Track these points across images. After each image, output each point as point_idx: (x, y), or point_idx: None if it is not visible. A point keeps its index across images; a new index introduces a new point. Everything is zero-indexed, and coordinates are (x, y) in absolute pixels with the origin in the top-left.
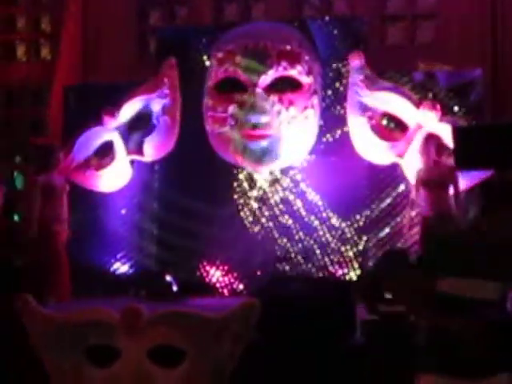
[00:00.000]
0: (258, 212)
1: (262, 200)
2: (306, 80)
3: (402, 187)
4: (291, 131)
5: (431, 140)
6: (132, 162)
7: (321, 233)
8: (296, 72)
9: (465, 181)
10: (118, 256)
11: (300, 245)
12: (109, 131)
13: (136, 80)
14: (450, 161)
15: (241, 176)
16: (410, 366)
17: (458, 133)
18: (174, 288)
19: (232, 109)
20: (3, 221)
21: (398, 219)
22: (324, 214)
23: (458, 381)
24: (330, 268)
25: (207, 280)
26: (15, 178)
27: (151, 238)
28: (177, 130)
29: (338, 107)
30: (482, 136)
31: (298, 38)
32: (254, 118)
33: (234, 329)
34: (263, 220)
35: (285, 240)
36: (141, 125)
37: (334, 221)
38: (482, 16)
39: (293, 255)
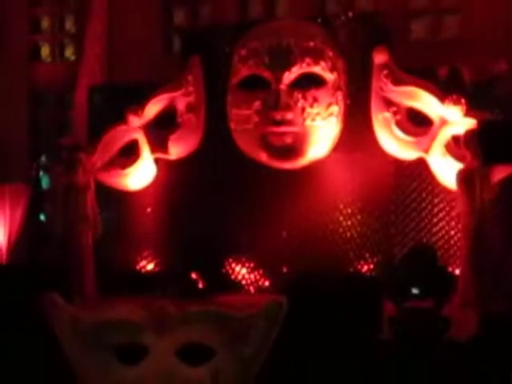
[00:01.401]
0: (283, 208)
1: (286, 196)
2: (329, 76)
3: (427, 182)
4: (315, 128)
5: (473, 137)
6: (157, 161)
7: (346, 229)
8: (319, 68)
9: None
10: (144, 254)
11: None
12: (133, 130)
13: (161, 79)
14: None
15: (265, 172)
16: (441, 361)
17: (484, 128)
18: (200, 285)
19: (256, 106)
20: (30, 221)
21: (423, 214)
22: (349, 210)
23: None
24: (356, 264)
25: (233, 277)
26: (41, 178)
27: (177, 236)
28: (201, 127)
29: (363, 103)
30: (509, 130)
31: (321, 35)
32: (278, 115)
33: (261, 326)
34: (288, 216)
35: (310, 236)
36: (165, 123)
37: (359, 216)
38: (506, 9)
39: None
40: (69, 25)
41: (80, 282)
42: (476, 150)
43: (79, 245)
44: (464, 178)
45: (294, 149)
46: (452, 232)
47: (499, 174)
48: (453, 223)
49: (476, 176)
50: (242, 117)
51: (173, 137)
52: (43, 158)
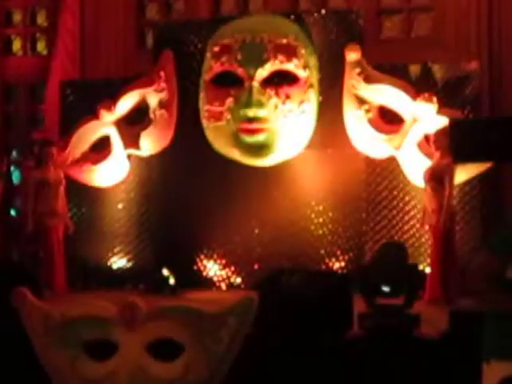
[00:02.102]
0: (254, 205)
1: (259, 193)
2: (302, 74)
3: (398, 180)
4: (288, 125)
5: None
6: (129, 157)
7: (318, 226)
8: (293, 66)
9: (461, 174)
10: (115, 250)
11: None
12: (105, 125)
13: (133, 74)
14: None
15: (237, 169)
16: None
17: (455, 126)
18: (172, 282)
19: (228, 103)
20: (0, 216)
21: (394, 212)
22: (320, 207)
23: None
24: (327, 261)
25: (205, 274)
26: (12, 172)
27: (148, 232)
28: (174, 123)
29: (335, 100)
30: (480, 129)
31: (294, 32)
32: (251, 112)
33: (232, 323)
34: (260, 213)
35: (282, 233)
36: (138, 119)
37: (331, 214)
38: (478, 9)
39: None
40: (41, 18)
41: (51, 278)
42: (445, 148)
43: (50, 240)
44: (432, 176)
45: (267, 146)
46: (423, 230)
47: (468, 172)
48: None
49: (445, 174)
50: (215, 113)
51: (145, 133)
52: (14, 153)
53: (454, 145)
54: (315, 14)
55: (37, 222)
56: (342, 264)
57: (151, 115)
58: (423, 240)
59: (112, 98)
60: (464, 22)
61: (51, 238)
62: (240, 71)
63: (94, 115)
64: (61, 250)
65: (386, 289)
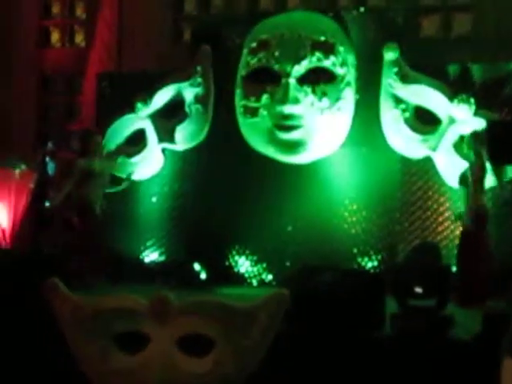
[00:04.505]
0: (288, 202)
1: (293, 190)
2: (339, 71)
3: (433, 181)
4: (324, 122)
5: (478, 137)
6: (163, 150)
7: (351, 225)
8: (330, 63)
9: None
10: (148, 244)
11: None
12: (141, 119)
13: (170, 68)
14: None
15: (272, 166)
16: (442, 360)
17: (493, 127)
18: (203, 277)
19: (265, 99)
20: (34, 207)
21: (429, 213)
22: (354, 206)
23: None
24: (360, 260)
25: (236, 270)
26: (47, 163)
27: (181, 227)
28: (209, 118)
29: (372, 99)
30: None
31: (332, 29)
32: (287, 109)
33: (263, 319)
34: (294, 211)
35: (315, 231)
36: (173, 113)
37: (364, 213)
38: None
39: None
40: (79, 11)
41: (82, 269)
42: (479, 150)
43: (83, 231)
44: (465, 178)
45: (302, 143)
46: (457, 231)
47: (504, 175)
48: (458, 222)
49: (474, 176)
50: (250, 109)
51: (180, 127)
52: (50, 144)
53: (490, 147)
54: (354, 12)
55: (80, 210)
56: (375, 263)
57: (187, 109)
58: (457, 242)
59: (148, 92)
60: (503, 22)
61: (85, 229)
62: (277, 67)
63: (130, 108)
64: (94, 242)
65: (418, 290)
